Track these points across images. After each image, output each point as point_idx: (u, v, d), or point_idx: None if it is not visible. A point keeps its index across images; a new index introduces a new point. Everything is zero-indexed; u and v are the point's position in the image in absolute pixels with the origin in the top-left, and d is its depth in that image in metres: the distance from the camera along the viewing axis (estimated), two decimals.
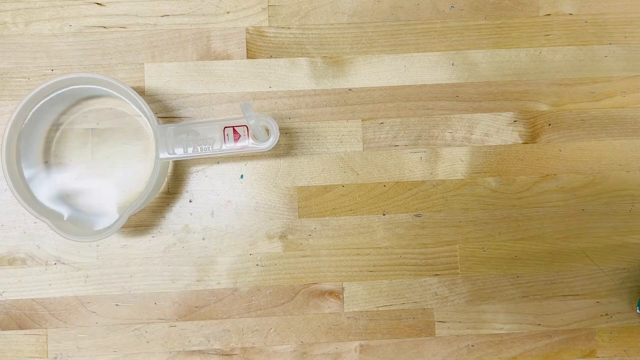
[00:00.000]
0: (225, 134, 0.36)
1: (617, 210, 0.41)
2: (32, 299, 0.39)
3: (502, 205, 0.40)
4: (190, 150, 0.36)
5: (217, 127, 0.36)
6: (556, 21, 0.41)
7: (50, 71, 0.40)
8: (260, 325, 0.40)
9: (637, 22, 0.41)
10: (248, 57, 0.40)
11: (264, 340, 0.40)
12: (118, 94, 0.38)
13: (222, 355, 0.40)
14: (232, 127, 0.36)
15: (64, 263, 0.39)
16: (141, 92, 0.40)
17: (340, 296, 0.40)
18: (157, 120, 0.37)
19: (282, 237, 0.39)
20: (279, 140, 0.39)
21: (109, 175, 0.39)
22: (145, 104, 0.36)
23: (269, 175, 0.40)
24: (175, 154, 0.36)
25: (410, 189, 0.40)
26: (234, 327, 0.40)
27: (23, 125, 0.37)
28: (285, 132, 0.40)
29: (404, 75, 0.40)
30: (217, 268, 0.40)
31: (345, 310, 0.40)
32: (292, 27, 0.40)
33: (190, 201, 0.40)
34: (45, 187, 0.38)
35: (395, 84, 0.40)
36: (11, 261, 0.39)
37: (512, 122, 0.41)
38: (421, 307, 0.40)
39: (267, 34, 0.40)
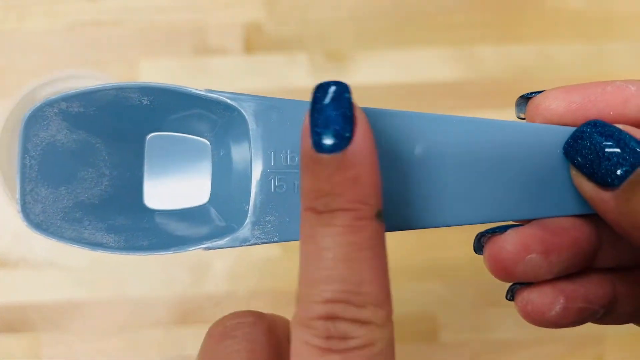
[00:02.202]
0: None
1: None
2: (25, 303, 0.39)
3: None
4: None
5: None
6: (564, 16, 0.41)
7: (43, 68, 0.39)
8: None
9: None
10: (246, 53, 0.40)
11: None
12: None
13: None
14: None
15: (56, 266, 0.39)
16: None
17: None
18: None
19: None
20: None
21: None
22: None
23: None
24: None
25: None
26: None
27: (16, 125, 0.37)
28: None
29: (407, 71, 0.40)
30: (214, 271, 0.39)
31: None
32: (291, 22, 0.40)
33: None
34: None
35: (398, 81, 0.40)
36: (2, 264, 0.39)
37: (519, 119, 0.40)
38: (424, 311, 0.40)
39: (266, 29, 0.40)
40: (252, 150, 0.17)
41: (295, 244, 0.37)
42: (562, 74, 0.40)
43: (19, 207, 0.17)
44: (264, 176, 0.17)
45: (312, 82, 0.42)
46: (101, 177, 0.18)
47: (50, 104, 0.17)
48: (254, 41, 0.40)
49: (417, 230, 0.42)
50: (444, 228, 0.41)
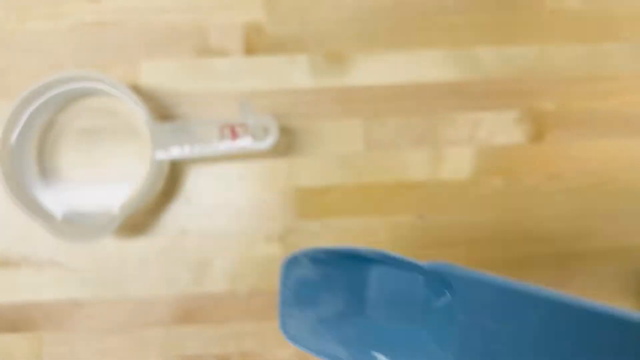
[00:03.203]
0: (223, 133, 0.36)
1: (626, 211, 0.40)
2: (26, 302, 0.38)
3: (508, 206, 0.40)
4: (187, 149, 0.36)
5: (214, 125, 0.36)
6: (563, 17, 0.40)
7: (45, 69, 0.39)
8: (259, 329, 0.39)
9: None
10: (246, 54, 0.39)
11: (263, 345, 0.39)
12: (113, 92, 0.37)
13: None
14: (230, 125, 0.36)
15: (58, 265, 0.39)
16: (137, 90, 0.39)
17: None
18: (153, 119, 0.36)
19: (282, 238, 0.39)
20: (278, 140, 0.38)
21: (103, 175, 0.39)
22: (141, 102, 0.35)
23: (268, 176, 0.39)
24: (171, 153, 0.36)
25: (413, 190, 0.39)
26: (232, 331, 0.39)
27: (17, 125, 0.37)
28: (284, 131, 0.39)
29: (407, 72, 0.40)
30: (215, 271, 0.39)
31: None
32: (292, 23, 0.40)
33: (187, 202, 0.39)
34: (39, 188, 0.38)
35: (398, 82, 0.40)
36: (5, 264, 0.39)
37: (518, 120, 0.40)
38: None
39: (266, 30, 0.40)
40: None
41: (295, 244, 0.38)
42: (562, 74, 0.40)
43: (279, 324, 0.23)
44: None
45: (312, 83, 0.43)
46: (336, 299, 0.23)
47: (304, 255, 0.23)
48: (254, 42, 0.40)
49: (417, 230, 0.42)
50: (442, 228, 0.41)
